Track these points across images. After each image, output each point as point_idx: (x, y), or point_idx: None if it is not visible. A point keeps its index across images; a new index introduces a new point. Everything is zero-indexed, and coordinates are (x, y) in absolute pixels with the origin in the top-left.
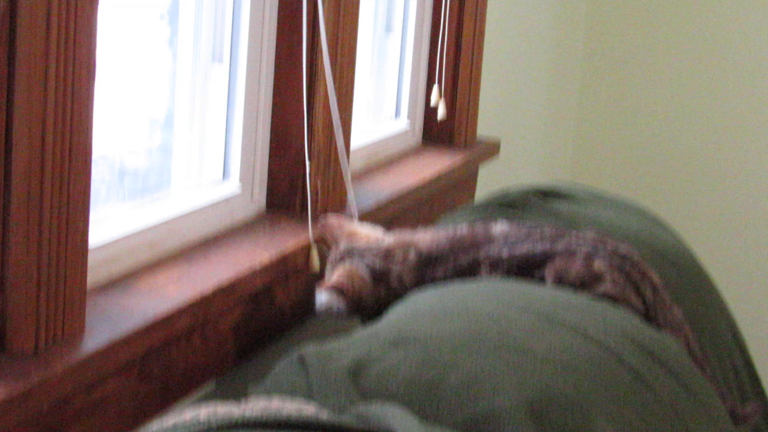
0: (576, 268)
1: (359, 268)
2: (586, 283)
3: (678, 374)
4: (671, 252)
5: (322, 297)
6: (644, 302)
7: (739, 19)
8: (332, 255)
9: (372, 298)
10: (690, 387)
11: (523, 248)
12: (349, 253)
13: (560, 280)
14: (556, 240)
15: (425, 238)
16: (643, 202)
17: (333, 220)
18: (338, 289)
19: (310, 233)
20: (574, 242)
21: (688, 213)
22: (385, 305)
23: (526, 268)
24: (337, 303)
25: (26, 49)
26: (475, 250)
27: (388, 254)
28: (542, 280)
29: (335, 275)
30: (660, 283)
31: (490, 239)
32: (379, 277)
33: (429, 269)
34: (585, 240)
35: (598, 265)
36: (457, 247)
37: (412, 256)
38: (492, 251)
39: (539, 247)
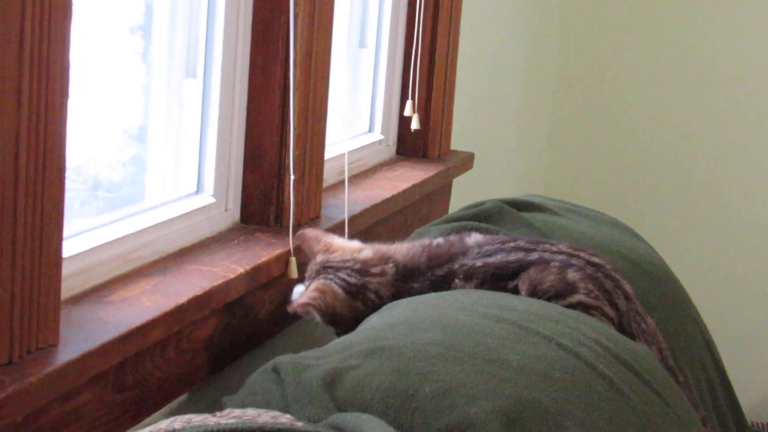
0: (550, 278)
1: (332, 284)
2: (559, 293)
3: (651, 383)
4: (645, 262)
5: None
6: (617, 311)
7: (710, 31)
8: (309, 268)
9: (348, 312)
10: (663, 396)
11: (497, 258)
12: (325, 268)
13: (534, 290)
14: (529, 251)
15: (402, 250)
16: (616, 213)
17: (310, 231)
18: (311, 305)
19: (290, 242)
20: (548, 253)
21: (660, 224)
22: (363, 318)
23: (500, 278)
24: (311, 316)
25: None
26: (450, 262)
27: (364, 268)
28: (516, 290)
29: (307, 292)
30: (633, 292)
31: (464, 250)
32: (355, 291)
33: (407, 282)
34: (558, 250)
35: (572, 275)
36: (433, 260)
37: (390, 269)
38: (466, 261)
39: (513, 257)
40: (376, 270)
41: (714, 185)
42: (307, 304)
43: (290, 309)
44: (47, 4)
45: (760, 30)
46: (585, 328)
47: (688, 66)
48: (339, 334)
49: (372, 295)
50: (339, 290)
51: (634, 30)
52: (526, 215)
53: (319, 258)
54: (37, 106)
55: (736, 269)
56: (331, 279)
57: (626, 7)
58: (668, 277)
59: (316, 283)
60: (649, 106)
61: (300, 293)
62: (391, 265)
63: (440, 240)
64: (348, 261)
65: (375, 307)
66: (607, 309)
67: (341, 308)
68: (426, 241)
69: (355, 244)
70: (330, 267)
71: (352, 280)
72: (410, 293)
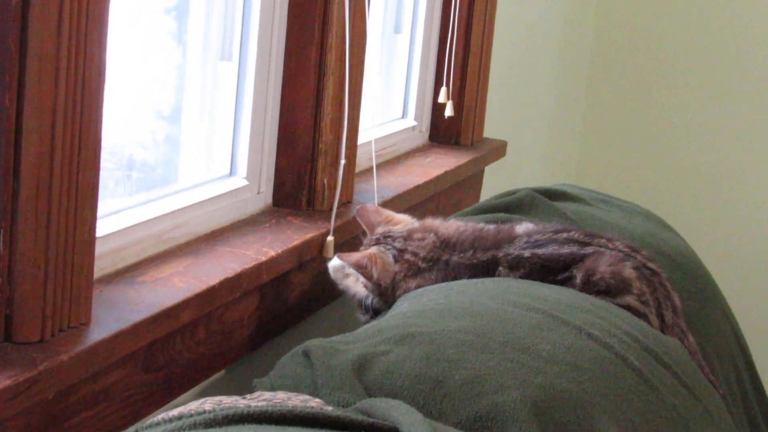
0: (602, 268)
1: (385, 254)
2: (612, 288)
3: (681, 376)
4: (676, 254)
5: (335, 263)
6: (663, 322)
7: (749, 19)
8: (368, 239)
9: (390, 278)
10: (693, 389)
11: (548, 250)
12: (385, 238)
13: (587, 280)
14: (584, 244)
15: (451, 226)
16: (648, 205)
17: (370, 206)
18: (357, 265)
19: (332, 223)
20: (604, 248)
21: (692, 216)
22: (401, 283)
23: (550, 270)
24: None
25: (37, 43)
26: (495, 249)
27: (409, 235)
28: (563, 282)
29: (358, 254)
30: (680, 306)
31: (511, 238)
32: (399, 257)
33: (446, 252)
34: (615, 247)
35: (629, 272)
36: (478, 243)
37: (430, 237)
38: (512, 250)
39: (566, 250)
40: (417, 236)
41: (747, 178)
42: (352, 264)
43: (339, 257)
44: None
45: None
46: (616, 319)
47: (725, 55)
48: (366, 322)
49: (409, 256)
50: (391, 260)
51: (670, 18)
52: (558, 204)
53: (381, 229)
54: (74, 86)
55: None
56: (389, 249)
57: None
58: (699, 270)
59: (372, 250)
60: (684, 97)
61: (334, 267)
62: (432, 234)
63: (491, 226)
64: (403, 231)
65: (414, 272)
66: (653, 318)
67: (386, 277)
68: (479, 225)
69: (409, 217)
70: (389, 237)
71: (398, 245)
72: (448, 264)
